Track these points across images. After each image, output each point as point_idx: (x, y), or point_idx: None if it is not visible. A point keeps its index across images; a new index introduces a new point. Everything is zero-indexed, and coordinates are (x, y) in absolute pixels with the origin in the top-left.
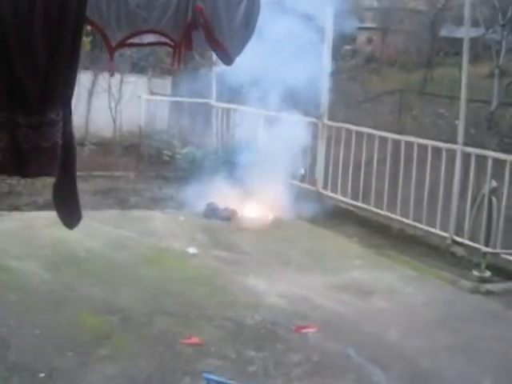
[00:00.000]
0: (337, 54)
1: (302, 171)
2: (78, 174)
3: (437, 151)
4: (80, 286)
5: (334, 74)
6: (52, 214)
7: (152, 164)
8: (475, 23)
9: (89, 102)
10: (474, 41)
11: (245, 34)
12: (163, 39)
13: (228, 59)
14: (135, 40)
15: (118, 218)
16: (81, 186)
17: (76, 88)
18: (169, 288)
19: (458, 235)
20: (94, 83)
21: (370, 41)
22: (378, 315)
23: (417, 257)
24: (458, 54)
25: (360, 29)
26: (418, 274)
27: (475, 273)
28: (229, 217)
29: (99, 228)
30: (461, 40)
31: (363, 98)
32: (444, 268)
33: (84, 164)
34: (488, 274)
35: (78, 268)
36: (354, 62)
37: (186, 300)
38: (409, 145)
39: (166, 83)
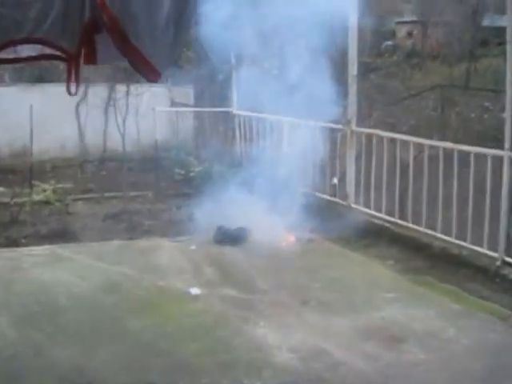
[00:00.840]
0: (377, 50)
1: (335, 181)
2: (91, 195)
3: (482, 157)
4: (49, 348)
5: (374, 71)
6: (48, 250)
7: (172, 181)
8: None
9: (106, 116)
10: None
11: (176, 35)
12: (49, 51)
13: (152, 73)
14: (8, 54)
15: (120, 251)
16: (92, 209)
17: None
18: (159, 345)
19: (509, 255)
20: (110, 96)
21: (410, 35)
22: (411, 373)
23: (461, 282)
24: (502, 43)
25: (399, 23)
26: (462, 308)
27: None
28: (241, 240)
29: (94, 265)
30: (504, 29)
31: (405, 95)
32: (493, 297)
33: (98, 183)
34: None
35: (55, 322)
36: (395, 57)
37: (177, 361)
38: (449, 151)
39: (188, 92)
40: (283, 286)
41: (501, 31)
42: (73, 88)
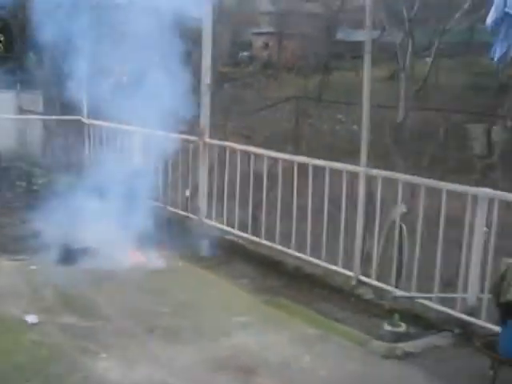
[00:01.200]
0: (233, 60)
1: (188, 193)
2: None
3: (337, 172)
4: None
5: (230, 81)
6: None
7: (17, 193)
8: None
9: None
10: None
11: None
12: None
13: None
14: None
15: None
16: None
17: None
18: None
19: (365, 274)
20: None
21: (266, 46)
22: None
23: (316, 303)
24: (355, 57)
25: (256, 34)
26: (317, 333)
27: (387, 327)
28: (85, 260)
29: None
30: (357, 43)
31: (260, 106)
32: (349, 319)
33: None
34: (403, 327)
35: None
36: (251, 68)
37: None
38: (303, 166)
39: (37, 98)
40: (128, 311)
41: (354, 45)
42: None
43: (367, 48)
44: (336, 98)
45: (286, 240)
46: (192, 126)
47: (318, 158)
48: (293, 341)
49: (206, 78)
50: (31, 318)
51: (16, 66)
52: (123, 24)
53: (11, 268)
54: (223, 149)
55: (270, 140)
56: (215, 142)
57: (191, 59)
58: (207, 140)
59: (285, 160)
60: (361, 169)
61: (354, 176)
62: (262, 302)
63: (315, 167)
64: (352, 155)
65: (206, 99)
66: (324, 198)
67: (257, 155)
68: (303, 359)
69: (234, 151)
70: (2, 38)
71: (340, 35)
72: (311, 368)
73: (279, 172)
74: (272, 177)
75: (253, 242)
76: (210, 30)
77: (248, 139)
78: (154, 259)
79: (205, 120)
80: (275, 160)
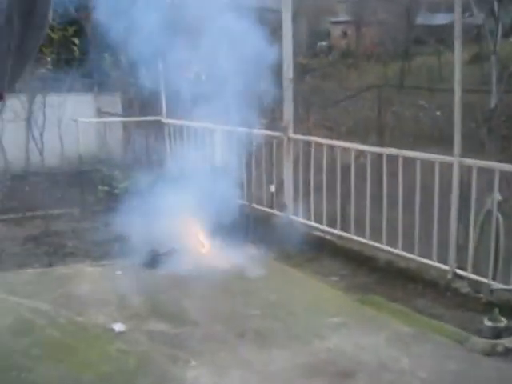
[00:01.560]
0: (311, 50)
1: (272, 189)
2: (10, 216)
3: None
4: None
5: (309, 72)
6: None
7: (98, 197)
8: (448, 9)
9: (27, 130)
10: (450, 27)
11: (24, 34)
12: None
13: None
14: None
15: (36, 281)
16: (12, 231)
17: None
18: None
19: (460, 267)
20: (30, 108)
21: (344, 34)
22: None
23: (410, 299)
24: (436, 41)
25: (334, 23)
26: (414, 331)
27: (487, 323)
28: (172, 264)
29: (5, 300)
30: (437, 27)
31: (341, 97)
32: (446, 315)
33: (21, 201)
34: (503, 322)
35: None
36: (330, 58)
37: None
38: (393, 157)
39: (115, 100)
40: (217, 315)
41: (434, 29)
42: None
43: (457, 31)
44: (418, 84)
45: (376, 234)
46: (273, 121)
47: (403, 146)
48: (389, 341)
49: (288, 71)
50: (118, 326)
51: (92, 69)
52: (198, 19)
53: (96, 274)
54: (308, 143)
55: (352, 130)
56: (300, 136)
57: (269, 52)
58: (291, 135)
59: (374, 153)
60: (454, 159)
61: (445, 166)
62: (354, 301)
63: (405, 158)
64: (437, 142)
65: (288, 93)
66: (415, 189)
67: (343, 149)
68: (401, 360)
69: (319, 145)
70: (77, 41)
71: (419, 20)
72: (410, 370)
73: (368, 164)
74: (359, 169)
75: (342, 237)
76: (290, 23)
77: (330, 131)
78: (241, 259)
79: (288, 115)
80: (362, 152)
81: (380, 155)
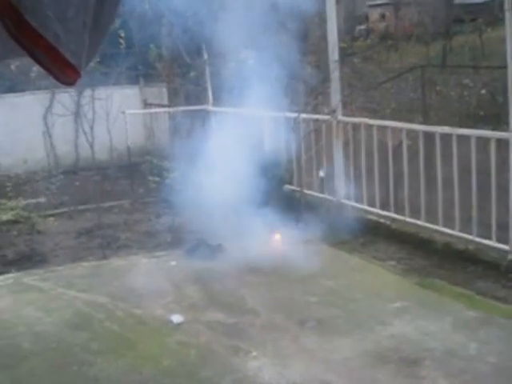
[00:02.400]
0: (350, 35)
1: (322, 174)
2: (63, 210)
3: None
4: None
5: (350, 56)
6: (12, 278)
7: (149, 188)
8: None
9: (75, 124)
10: (489, 4)
11: (99, 14)
12: None
13: (66, 69)
14: None
15: (92, 274)
16: (64, 225)
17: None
18: None
19: None
20: (78, 102)
21: (382, 17)
22: None
23: (471, 282)
24: (475, 19)
25: (371, 6)
26: (479, 315)
27: None
28: (216, 254)
29: (63, 294)
30: (476, 5)
31: (382, 79)
32: (510, 297)
33: (72, 195)
34: None
35: (12, 373)
36: (369, 41)
37: None
38: (446, 136)
39: (161, 91)
40: (276, 303)
41: (473, 7)
42: None
43: (507, 3)
44: (460, 63)
45: (431, 216)
46: (316, 106)
47: (450, 126)
48: (455, 326)
49: (334, 54)
50: (176, 318)
51: (138, 61)
52: (240, 8)
53: (151, 265)
54: (357, 125)
55: (396, 112)
56: (349, 119)
57: (308, 38)
58: (340, 117)
59: (426, 132)
60: (509, 134)
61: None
62: (414, 285)
63: (459, 136)
64: (484, 121)
65: (335, 76)
66: (471, 168)
67: (394, 129)
68: (469, 346)
69: (369, 127)
70: (122, 34)
71: None
72: (479, 356)
73: (420, 144)
74: (411, 150)
75: (396, 220)
76: (334, 6)
77: (374, 113)
78: (295, 245)
79: (336, 97)
80: (413, 132)
81: (431, 135)
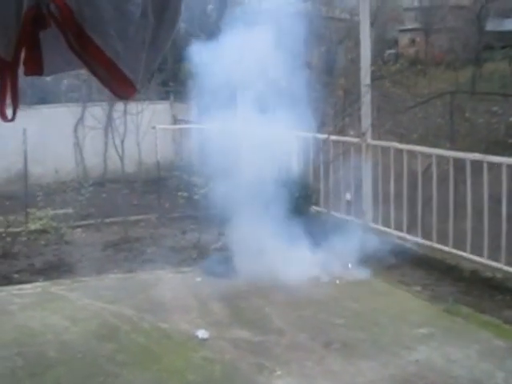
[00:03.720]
0: (380, 59)
1: (348, 197)
2: (91, 221)
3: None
4: None
5: (378, 80)
6: (40, 287)
7: (176, 204)
8: None
9: (105, 137)
10: None
11: (157, 30)
12: None
13: (123, 84)
14: None
15: (119, 286)
16: (92, 237)
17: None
18: None
19: None
20: (109, 115)
21: (412, 42)
22: None
23: (500, 310)
24: (505, 47)
25: (402, 31)
26: (507, 344)
27: None
28: (249, 271)
29: (90, 305)
30: (508, 33)
31: (412, 104)
32: None
33: (99, 208)
34: None
35: (38, 381)
36: (398, 65)
37: None
38: (476, 163)
39: (189, 108)
40: (301, 323)
41: (504, 35)
42: (9, 110)
43: None
44: (490, 90)
45: (459, 242)
46: (343, 128)
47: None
48: (482, 354)
49: (366, 78)
50: (202, 333)
51: (169, 77)
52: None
53: (176, 280)
54: (386, 149)
55: (424, 137)
56: (378, 142)
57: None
58: (369, 141)
59: (456, 158)
60: None
61: None
62: (441, 311)
63: (490, 164)
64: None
65: (366, 100)
66: (502, 196)
67: (423, 154)
68: (496, 375)
69: (398, 151)
70: None
71: (489, 26)
72: None
73: (450, 171)
74: (439, 176)
75: (423, 245)
76: (368, 31)
77: (401, 137)
78: (320, 266)
79: (366, 121)
80: (443, 158)
81: (460, 161)
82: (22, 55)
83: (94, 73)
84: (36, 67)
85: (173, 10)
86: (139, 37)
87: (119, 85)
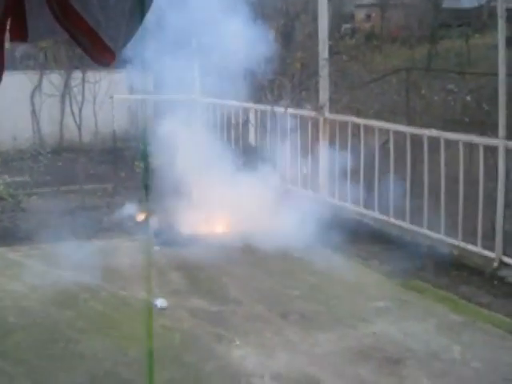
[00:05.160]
0: (336, 33)
1: (305, 170)
2: (47, 189)
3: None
4: None
5: (335, 54)
6: None
7: (133, 173)
8: None
9: (62, 105)
10: (478, 10)
11: (136, 6)
12: None
13: (103, 52)
14: None
15: (77, 254)
16: (48, 205)
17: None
18: (119, 375)
19: (507, 254)
20: (66, 83)
21: (369, 17)
22: None
23: (456, 286)
24: (461, 25)
25: (358, 6)
26: (463, 319)
27: None
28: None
29: (49, 272)
30: (464, 11)
31: (367, 79)
32: (494, 304)
33: (55, 176)
34: None
35: None
36: (355, 40)
37: None
38: (432, 140)
39: (148, 78)
40: (259, 295)
41: (461, 13)
42: None
43: (500, 11)
44: (446, 68)
45: (416, 219)
46: (300, 101)
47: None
48: (438, 329)
49: (324, 52)
50: (161, 302)
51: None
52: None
53: (134, 249)
54: (344, 124)
55: (380, 113)
56: (336, 116)
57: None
58: (327, 115)
59: (413, 134)
60: (499, 141)
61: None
62: (398, 285)
63: (446, 141)
64: (468, 128)
65: (324, 73)
66: (459, 174)
67: (381, 130)
68: (452, 350)
69: (356, 126)
70: None
71: (446, 3)
72: (462, 359)
73: (408, 147)
74: (397, 152)
75: (380, 220)
76: (326, 4)
77: (358, 113)
78: (278, 239)
79: (324, 94)
80: (400, 134)
81: (419, 139)
82: (8, 22)
83: (76, 40)
84: (21, 33)
85: None
86: (119, 7)
87: (99, 52)
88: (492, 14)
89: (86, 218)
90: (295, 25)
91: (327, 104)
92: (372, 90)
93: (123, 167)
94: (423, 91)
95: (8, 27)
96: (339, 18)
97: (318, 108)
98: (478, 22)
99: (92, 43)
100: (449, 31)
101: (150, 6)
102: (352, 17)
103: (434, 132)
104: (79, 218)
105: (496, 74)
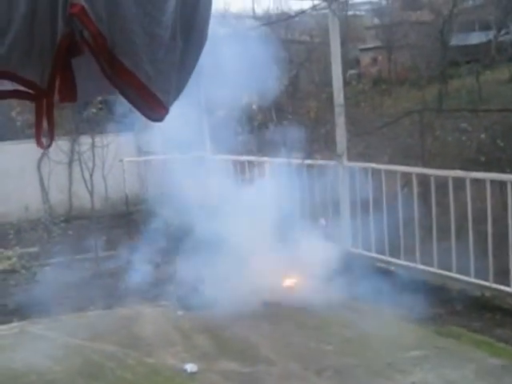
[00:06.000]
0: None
1: (323, 222)
2: (59, 259)
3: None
4: None
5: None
6: (17, 328)
7: (149, 237)
8: (485, 27)
9: (70, 172)
10: (486, 45)
11: (186, 51)
12: (11, 86)
13: (155, 106)
14: None
15: (98, 323)
16: (63, 275)
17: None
18: None
19: None
20: (73, 149)
21: (375, 61)
22: None
23: (491, 329)
24: (470, 62)
25: (363, 50)
26: (501, 363)
27: None
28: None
29: (71, 343)
30: (472, 47)
31: (378, 123)
32: None
33: (67, 245)
34: None
35: None
36: (361, 85)
37: None
38: (457, 180)
39: (155, 139)
40: (291, 352)
41: (469, 49)
42: (44, 138)
43: None
44: (458, 107)
45: (444, 262)
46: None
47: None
48: (478, 374)
49: (339, 98)
50: (190, 367)
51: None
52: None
53: (157, 315)
54: (365, 171)
55: (394, 158)
56: (355, 164)
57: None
58: (346, 163)
59: (437, 176)
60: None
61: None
62: (431, 333)
63: (472, 180)
64: (485, 167)
65: (340, 120)
66: (487, 214)
67: (404, 173)
68: None
69: (376, 172)
70: None
71: (453, 40)
72: None
73: (432, 189)
74: (422, 196)
75: (407, 267)
76: (339, 51)
77: (372, 159)
78: (305, 293)
79: (342, 142)
80: (423, 177)
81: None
82: (57, 83)
83: (127, 97)
84: (70, 94)
85: (199, 32)
86: (169, 59)
87: (151, 107)
88: (500, 48)
89: (103, 285)
90: (300, 74)
91: (345, 152)
92: (384, 134)
93: (136, 231)
94: (437, 132)
95: (57, 89)
96: (344, 63)
97: (337, 156)
98: (486, 57)
99: (143, 99)
100: (458, 69)
101: (199, 55)
102: (357, 61)
103: (459, 173)
104: (96, 287)
105: (510, 110)
